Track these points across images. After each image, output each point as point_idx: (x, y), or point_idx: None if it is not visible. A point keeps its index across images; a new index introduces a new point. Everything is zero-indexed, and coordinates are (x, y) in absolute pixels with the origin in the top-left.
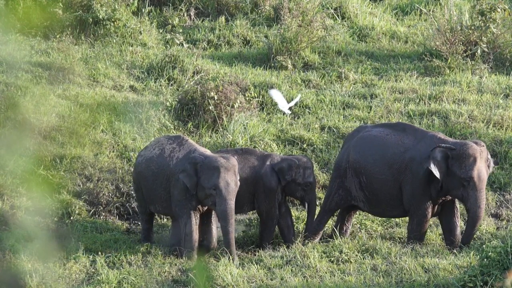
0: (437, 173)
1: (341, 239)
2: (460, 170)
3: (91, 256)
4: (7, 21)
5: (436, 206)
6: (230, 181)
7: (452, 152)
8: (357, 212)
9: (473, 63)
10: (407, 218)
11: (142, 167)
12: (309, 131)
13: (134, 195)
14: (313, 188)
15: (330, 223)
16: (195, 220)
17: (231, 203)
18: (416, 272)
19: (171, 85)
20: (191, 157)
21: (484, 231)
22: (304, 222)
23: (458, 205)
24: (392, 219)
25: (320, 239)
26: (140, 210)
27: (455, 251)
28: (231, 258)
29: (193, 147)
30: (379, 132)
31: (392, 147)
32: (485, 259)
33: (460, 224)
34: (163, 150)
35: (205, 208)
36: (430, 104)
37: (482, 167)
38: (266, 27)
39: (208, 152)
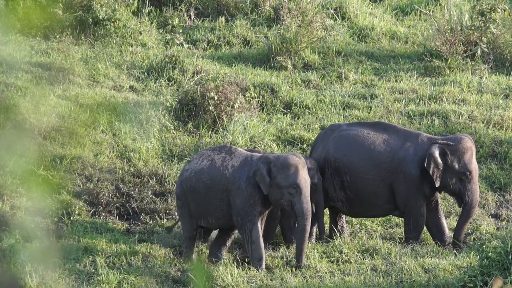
0: (432, 171)
1: (340, 239)
2: (459, 165)
3: (91, 256)
4: (7, 21)
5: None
6: (307, 178)
7: (450, 147)
8: None
9: (473, 63)
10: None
11: (191, 182)
12: (309, 131)
13: (177, 212)
14: (318, 189)
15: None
16: (260, 227)
17: (309, 200)
18: (416, 273)
19: (171, 85)
20: (262, 158)
21: (484, 231)
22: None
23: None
24: (392, 219)
25: (319, 239)
26: (185, 227)
27: (455, 251)
28: (300, 258)
29: (244, 152)
30: (359, 131)
31: (377, 146)
32: (485, 260)
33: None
34: (213, 161)
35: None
36: (430, 104)
37: (475, 160)
38: (266, 27)
39: (266, 153)
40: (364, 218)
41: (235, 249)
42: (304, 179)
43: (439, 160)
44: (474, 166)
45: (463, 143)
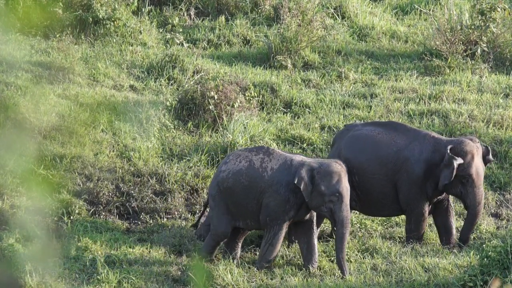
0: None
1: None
2: (459, 168)
3: (91, 256)
4: (7, 20)
5: (430, 205)
6: (348, 186)
7: (449, 150)
8: (356, 212)
9: (473, 62)
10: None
11: (229, 182)
12: (309, 130)
13: (211, 213)
14: None
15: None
16: (284, 234)
17: (349, 208)
18: (416, 272)
19: (171, 84)
20: (305, 164)
21: (484, 230)
22: None
23: (453, 204)
24: (392, 218)
25: (320, 238)
26: (219, 228)
27: (455, 250)
28: (343, 269)
29: (283, 154)
30: (370, 131)
31: (385, 146)
32: (485, 259)
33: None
34: (251, 162)
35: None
36: (430, 103)
37: (479, 163)
38: (266, 26)
39: (304, 157)
40: (366, 217)
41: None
42: (346, 188)
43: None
44: (474, 170)
45: (464, 146)
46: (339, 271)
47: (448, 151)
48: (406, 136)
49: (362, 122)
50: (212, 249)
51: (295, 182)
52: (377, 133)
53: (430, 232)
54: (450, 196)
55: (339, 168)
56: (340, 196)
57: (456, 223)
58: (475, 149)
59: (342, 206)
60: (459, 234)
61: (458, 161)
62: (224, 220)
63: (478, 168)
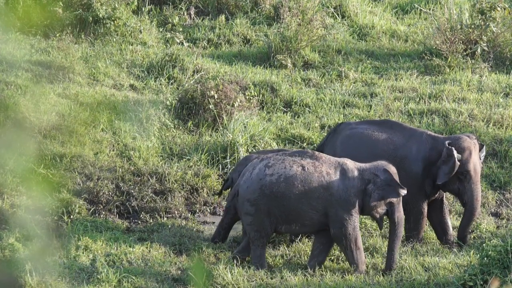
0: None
1: None
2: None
3: (91, 255)
4: (7, 20)
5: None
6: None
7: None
8: None
9: (473, 62)
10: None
11: (281, 187)
12: (309, 130)
13: (248, 218)
14: None
15: None
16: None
17: (402, 208)
18: (416, 271)
19: (171, 84)
20: (366, 173)
21: (484, 230)
22: None
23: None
24: None
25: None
26: (257, 233)
27: (455, 250)
28: (391, 263)
29: (331, 158)
30: (366, 129)
31: (381, 145)
32: (485, 258)
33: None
34: (303, 167)
35: None
36: (430, 103)
37: (477, 160)
38: (266, 26)
39: (353, 162)
40: (365, 217)
41: (235, 248)
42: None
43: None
44: (472, 166)
45: (461, 142)
46: (386, 264)
47: (447, 145)
48: (402, 134)
49: (355, 121)
50: (261, 255)
51: (358, 185)
52: (373, 131)
53: (430, 231)
54: (445, 195)
55: (393, 169)
56: (393, 202)
57: (455, 222)
58: (473, 145)
59: (398, 208)
60: (457, 232)
61: (457, 155)
62: (266, 223)
63: (475, 164)
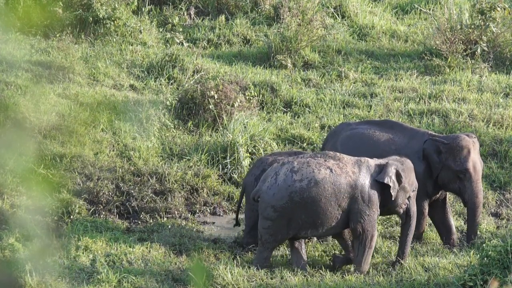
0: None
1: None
2: (455, 163)
3: (91, 255)
4: (7, 20)
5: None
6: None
7: (444, 146)
8: None
9: (473, 62)
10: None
11: (312, 192)
12: (309, 130)
13: (267, 224)
14: None
15: None
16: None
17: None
18: (416, 271)
19: (171, 84)
20: (391, 167)
21: (484, 230)
22: None
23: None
24: (392, 218)
25: (318, 238)
26: (273, 238)
27: (455, 250)
28: (402, 255)
29: (350, 157)
30: (366, 129)
31: (382, 145)
32: (485, 258)
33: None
34: (331, 169)
35: None
36: (430, 103)
37: (477, 159)
38: (266, 26)
39: (372, 159)
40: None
41: (235, 248)
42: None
43: (434, 157)
44: (471, 164)
45: (459, 141)
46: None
47: (423, 145)
48: (403, 134)
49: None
50: (267, 258)
51: (378, 182)
52: (374, 131)
53: (430, 231)
54: (447, 195)
55: (411, 166)
56: (414, 192)
57: (456, 223)
58: (471, 144)
59: (414, 201)
60: (466, 233)
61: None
62: (284, 230)
63: (475, 163)
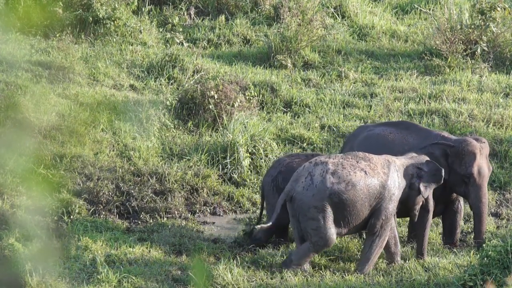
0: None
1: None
2: (460, 167)
3: (91, 255)
4: (7, 20)
5: (439, 206)
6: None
7: (451, 149)
8: None
9: (473, 62)
10: (406, 218)
11: (350, 193)
12: (309, 130)
13: (314, 225)
14: None
15: None
16: None
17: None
18: (416, 271)
19: (171, 84)
20: (415, 168)
21: (484, 230)
22: None
23: (463, 204)
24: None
25: None
26: (323, 238)
27: (455, 250)
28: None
29: (377, 156)
30: (382, 131)
31: (397, 145)
32: (485, 258)
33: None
34: (365, 172)
35: None
36: (430, 103)
37: (483, 163)
38: (266, 26)
39: (392, 156)
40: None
41: (235, 248)
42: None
43: (440, 160)
44: (476, 169)
45: (465, 145)
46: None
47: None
48: (418, 135)
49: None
50: (308, 258)
51: (407, 183)
52: (389, 132)
53: (430, 231)
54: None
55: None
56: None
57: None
58: (478, 148)
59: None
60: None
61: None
62: (332, 231)
63: (480, 167)
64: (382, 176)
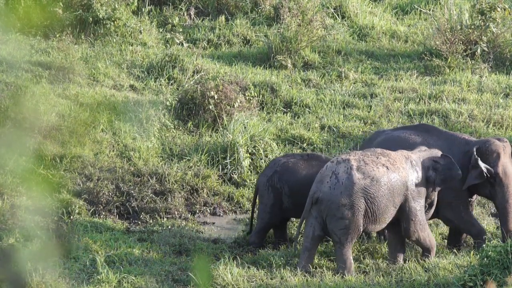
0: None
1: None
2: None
3: (91, 255)
4: (7, 20)
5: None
6: None
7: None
8: None
9: (473, 62)
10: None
11: (375, 189)
12: (309, 130)
13: (344, 222)
14: None
15: None
16: None
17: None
18: (416, 272)
19: (171, 84)
20: (433, 164)
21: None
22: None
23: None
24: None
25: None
26: (350, 236)
27: (455, 250)
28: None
29: (397, 153)
30: (402, 133)
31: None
32: (485, 259)
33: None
34: (387, 167)
35: None
36: (430, 103)
37: (507, 162)
38: (266, 26)
39: (413, 153)
40: None
41: (235, 248)
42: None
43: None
44: (501, 169)
45: (489, 145)
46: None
47: (475, 152)
48: (438, 138)
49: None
50: (349, 255)
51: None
52: (409, 135)
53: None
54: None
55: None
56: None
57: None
58: (502, 148)
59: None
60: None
61: (484, 166)
62: (361, 227)
63: (505, 167)
64: (402, 172)
